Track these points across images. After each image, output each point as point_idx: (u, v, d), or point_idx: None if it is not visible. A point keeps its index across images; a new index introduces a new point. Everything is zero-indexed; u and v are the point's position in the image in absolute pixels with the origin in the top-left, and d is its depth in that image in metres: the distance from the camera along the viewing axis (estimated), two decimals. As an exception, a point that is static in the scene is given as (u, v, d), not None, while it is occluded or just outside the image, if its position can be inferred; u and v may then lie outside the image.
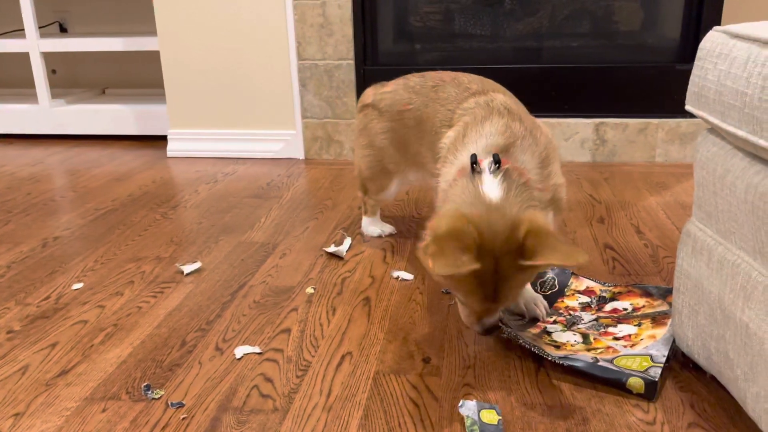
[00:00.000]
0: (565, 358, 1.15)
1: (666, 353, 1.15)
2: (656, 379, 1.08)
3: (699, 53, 1.02)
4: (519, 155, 1.18)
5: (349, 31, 2.45)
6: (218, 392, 1.14)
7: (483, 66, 2.42)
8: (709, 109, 0.97)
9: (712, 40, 0.99)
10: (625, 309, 1.34)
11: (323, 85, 2.54)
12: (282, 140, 2.65)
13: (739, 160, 0.95)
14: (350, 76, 2.51)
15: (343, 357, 1.24)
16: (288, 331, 1.34)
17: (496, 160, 1.13)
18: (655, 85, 2.38)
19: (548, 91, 2.45)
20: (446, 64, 2.47)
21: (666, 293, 1.37)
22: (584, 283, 1.46)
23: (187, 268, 1.63)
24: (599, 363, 1.13)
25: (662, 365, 1.12)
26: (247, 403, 1.11)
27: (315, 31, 2.47)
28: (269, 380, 1.17)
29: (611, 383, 1.11)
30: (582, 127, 2.42)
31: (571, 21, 2.50)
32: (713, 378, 1.14)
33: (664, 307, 1.31)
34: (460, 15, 2.54)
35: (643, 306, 1.34)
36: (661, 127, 2.37)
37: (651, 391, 1.08)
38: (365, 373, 1.19)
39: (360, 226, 1.89)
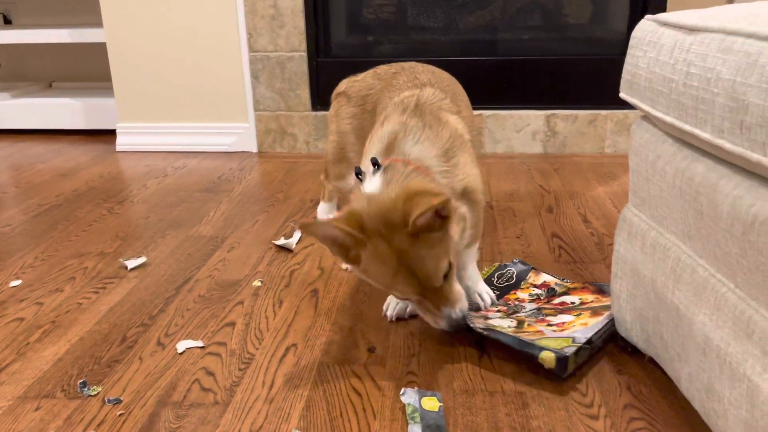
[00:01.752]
0: (489, 329, 1.16)
1: (589, 336, 1.16)
2: (567, 355, 1.09)
3: (631, 41, 1.03)
4: (408, 148, 1.17)
5: (300, 22, 2.43)
6: (158, 387, 1.12)
7: (436, 58, 2.42)
8: (640, 96, 0.99)
9: (643, 29, 1.00)
10: (573, 303, 1.36)
11: (276, 78, 2.51)
12: (234, 133, 2.61)
13: (669, 146, 0.97)
14: (303, 68, 2.48)
15: (287, 349, 1.23)
16: (232, 324, 1.33)
17: (374, 163, 1.13)
18: (604, 77, 2.42)
19: (500, 83, 2.47)
20: (399, 57, 2.47)
21: None
22: (542, 278, 1.47)
23: (131, 263, 1.59)
24: (519, 338, 1.14)
25: (579, 345, 1.12)
26: (187, 398, 1.09)
27: (266, 23, 2.44)
28: (211, 374, 1.16)
29: (525, 356, 1.12)
30: (533, 118, 2.45)
31: (522, 14, 2.52)
32: (651, 360, 1.16)
33: (608, 302, 1.33)
34: (413, 7, 2.54)
35: (592, 301, 1.36)
36: (609, 118, 2.42)
37: (561, 366, 1.09)
38: (309, 364, 1.18)
39: (311, 218, 1.87)
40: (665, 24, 0.94)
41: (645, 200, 1.06)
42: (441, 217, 1.06)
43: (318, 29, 2.48)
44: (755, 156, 0.70)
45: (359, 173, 1.17)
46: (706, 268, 0.89)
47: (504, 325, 1.23)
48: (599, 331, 1.18)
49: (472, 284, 1.35)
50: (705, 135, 0.80)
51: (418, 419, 1.00)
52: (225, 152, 2.63)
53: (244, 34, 2.47)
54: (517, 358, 1.16)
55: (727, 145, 0.75)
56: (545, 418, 1.02)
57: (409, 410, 1.02)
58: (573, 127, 2.44)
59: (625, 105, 2.41)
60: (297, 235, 1.75)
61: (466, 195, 1.23)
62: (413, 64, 1.55)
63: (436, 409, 1.03)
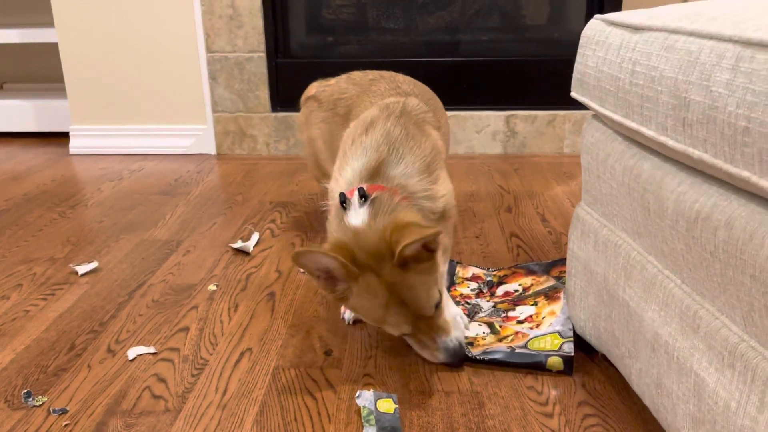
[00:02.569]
0: (485, 353, 1.16)
1: (572, 326, 1.18)
2: (572, 354, 1.12)
3: (581, 41, 1.04)
4: (393, 171, 1.15)
5: (259, 22, 2.40)
6: (107, 396, 1.09)
7: (396, 59, 2.43)
8: (590, 95, 1.00)
9: (592, 28, 1.01)
10: (516, 290, 1.37)
11: (234, 78, 2.47)
12: (192, 135, 2.57)
13: (618, 144, 0.98)
14: (262, 69, 2.46)
15: (242, 354, 1.21)
16: (186, 329, 1.30)
17: (362, 195, 1.10)
18: (562, 78, 2.44)
19: (460, 84, 2.48)
20: (360, 58, 2.46)
21: (548, 267, 1.41)
22: (470, 270, 1.47)
23: (82, 269, 1.55)
24: (516, 351, 1.15)
25: (571, 339, 1.15)
26: (137, 406, 1.06)
27: (224, 23, 2.41)
28: (162, 380, 1.13)
29: (533, 367, 1.13)
30: (493, 119, 2.46)
31: (481, 15, 2.54)
32: (604, 357, 1.18)
33: (551, 282, 1.34)
34: (373, 8, 2.53)
35: (531, 284, 1.37)
36: (568, 118, 2.45)
37: (569, 366, 1.12)
38: (264, 368, 1.16)
39: (270, 220, 1.85)
40: (612, 23, 0.95)
41: (597, 198, 1.07)
42: (428, 249, 1.05)
43: (277, 29, 2.45)
44: (697, 153, 0.71)
45: (344, 201, 1.12)
46: (654, 265, 0.90)
47: (480, 333, 1.23)
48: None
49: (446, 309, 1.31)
50: (650, 132, 0.81)
51: (373, 422, 0.99)
52: (183, 154, 2.58)
53: (201, 35, 2.43)
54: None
55: (671, 143, 0.76)
56: (500, 417, 1.02)
57: (364, 413, 1.01)
58: (532, 127, 2.46)
59: (582, 105, 2.44)
60: (255, 237, 1.72)
61: (442, 213, 1.22)
62: (392, 73, 1.54)
63: (392, 411, 1.02)
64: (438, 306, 1.08)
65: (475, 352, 1.16)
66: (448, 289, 1.41)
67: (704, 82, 0.68)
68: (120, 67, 2.51)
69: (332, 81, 1.64)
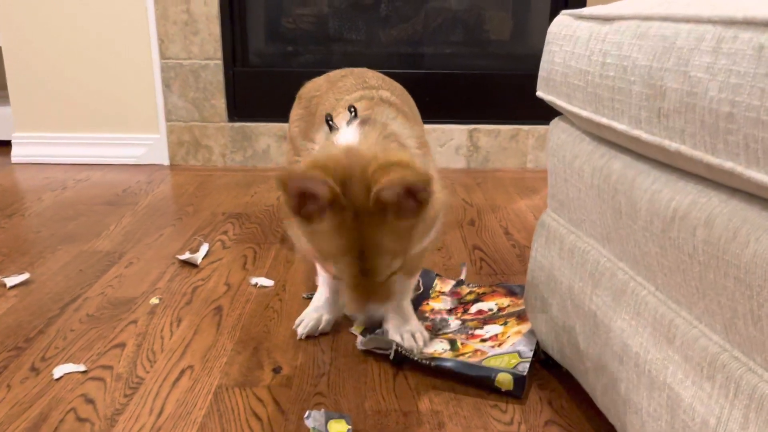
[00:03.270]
0: (432, 358, 1.09)
1: (533, 347, 1.11)
2: (524, 374, 1.04)
3: (547, 37, 0.99)
4: (385, 119, 1.02)
5: (216, 29, 2.32)
6: (25, 419, 0.97)
7: (357, 70, 2.36)
8: (557, 93, 0.94)
9: (559, 23, 0.96)
10: (491, 309, 1.30)
11: (189, 86, 2.38)
12: (144, 145, 2.45)
13: (587, 144, 0.92)
14: (218, 77, 2.37)
15: (182, 372, 1.11)
16: (122, 345, 1.19)
17: (351, 109, 0.96)
18: (525, 93, 2.42)
19: (423, 96, 2.42)
20: (320, 68, 2.38)
21: None
22: (449, 285, 1.41)
23: (11, 281, 1.42)
24: (467, 362, 1.07)
25: (530, 359, 1.08)
26: (59, 429, 0.95)
27: (179, 29, 2.32)
28: (91, 401, 1.02)
29: (480, 381, 1.05)
30: (456, 133, 2.42)
31: (444, 28, 2.50)
32: (569, 373, 1.11)
33: None
34: (335, 19, 2.48)
35: (508, 305, 1.30)
36: (531, 133, 2.42)
37: (519, 386, 1.03)
38: (206, 387, 1.06)
39: (222, 232, 1.75)
40: (581, 17, 0.90)
41: (563, 203, 1.01)
42: (416, 200, 0.86)
43: (234, 37, 2.37)
44: (674, 145, 0.66)
45: (330, 120, 0.99)
46: (625, 271, 0.84)
47: (438, 349, 1.15)
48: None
49: (404, 322, 1.19)
50: (622, 127, 0.75)
51: (323, 445, 0.91)
52: (134, 165, 2.46)
53: (155, 40, 2.33)
54: (458, 381, 1.08)
55: (645, 136, 0.71)
56: (462, 439, 0.94)
57: (313, 435, 0.92)
58: (495, 142, 2.42)
59: (546, 120, 2.42)
60: (204, 248, 1.62)
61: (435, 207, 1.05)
62: (363, 69, 1.44)
63: (344, 433, 0.93)
64: (391, 276, 0.93)
65: (422, 355, 1.09)
66: (421, 303, 1.33)
67: (682, 68, 0.63)
68: (68, 73, 2.39)
69: (317, 78, 1.56)
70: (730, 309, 0.62)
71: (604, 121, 0.80)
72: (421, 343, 1.16)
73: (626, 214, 0.79)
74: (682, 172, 0.71)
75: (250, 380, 1.08)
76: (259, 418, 0.98)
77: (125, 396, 1.04)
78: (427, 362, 1.08)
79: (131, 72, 2.37)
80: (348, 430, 0.94)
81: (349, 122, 1.00)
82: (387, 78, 1.41)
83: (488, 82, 2.42)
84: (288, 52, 2.50)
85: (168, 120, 2.42)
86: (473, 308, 1.32)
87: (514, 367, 1.06)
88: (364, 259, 0.88)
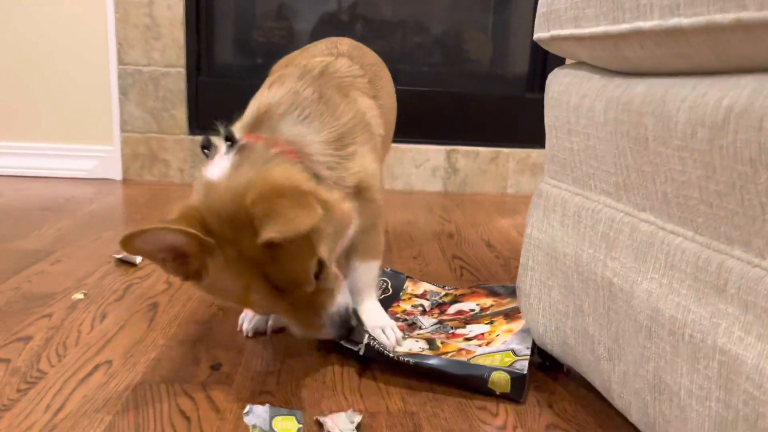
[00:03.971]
0: (411, 355, 0.89)
1: (530, 345, 0.93)
2: (524, 372, 0.85)
3: (546, -29, 0.85)
4: (285, 127, 0.90)
5: (180, 35, 2.18)
6: None
7: (329, 84, 2.23)
8: (560, 23, 0.80)
9: (561, -50, 0.83)
10: (472, 310, 1.12)
11: (148, 95, 2.21)
12: (96, 157, 2.26)
13: (596, 81, 0.78)
14: (180, 86, 2.21)
15: (97, 367, 0.90)
16: (27, 339, 0.97)
17: (228, 137, 0.85)
18: (506, 114, 2.31)
19: (399, 114, 2.30)
20: (290, 82, 2.26)
21: (514, 290, 1.17)
22: (421, 287, 1.22)
23: None
24: (453, 360, 0.88)
25: (528, 357, 0.89)
26: None
27: (140, 33, 2.17)
28: (-29, 396, 0.80)
29: (470, 382, 0.85)
30: (433, 153, 2.28)
31: (423, 47, 2.41)
32: (569, 372, 0.93)
33: (515, 304, 1.10)
34: (308, 34, 2.37)
35: (491, 305, 1.12)
36: (512, 156, 2.29)
37: (518, 387, 0.84)
38: (124, 383, 0.85)
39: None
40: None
41: (565, 163, 0.85)
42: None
43: (200, 44, 2.23)
44: (729, 16, 0.51)
45: (206, 146, 0.87)
46: (650, 222, 0.68)
47: (415, 348, 0.96)
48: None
49: (373, 318, 1.01)
50: (651, 23, 0.61)
51: (264, 446, 0.70)
52: (83, 179, 2.26)
53: (113, 44, 2.18)
54: (444, 382, 0.89)
55: (686, 21, 0.56)
56: (443, 443, 0.74)
57: (253, 434, 0.71)
58: (474, 164, 2.29)
59: (526, 143, 2.30)
60: (146, 249, 1.42)
61: (359, 193, 0.96)
62: (349, 39, 1.29)
63: (293, 433, 0.72)
64: (319, 276, 0.82)
65: (399, 350, 0.89)
66: (390, 304, 1.14)
67: None
68: (13, 76, 2.21)
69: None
70: (819, 216, 0.46)
71: (625, 27, 0.65)
72: (392, 340, 0.97)
73: (655, 138, 0.63)
74: (727, 74, 0.56)
75: (181, 376, 0.88)
76: (186, 417, 0.77)
77: (18, 391, 0.82)
78: (405, 360, 0.88)
79: (85, 77, 2.20)
80: (299, 429, 0.73)
81: (227, 150, 0.84)
82: (363, 47, 1.27)
83: (467, 101, 2.30)
84: (257, 65, 2.37)
85: (123, 131, 2.23)
86: (451, 309, 1.14)
87: (510, 365, 0.87)
88: (280, 287, 0.79)
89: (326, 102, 0.97)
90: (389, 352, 0.89)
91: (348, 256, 1.02)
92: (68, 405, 0.79)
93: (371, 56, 1.26)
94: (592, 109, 0.76)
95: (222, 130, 0.86)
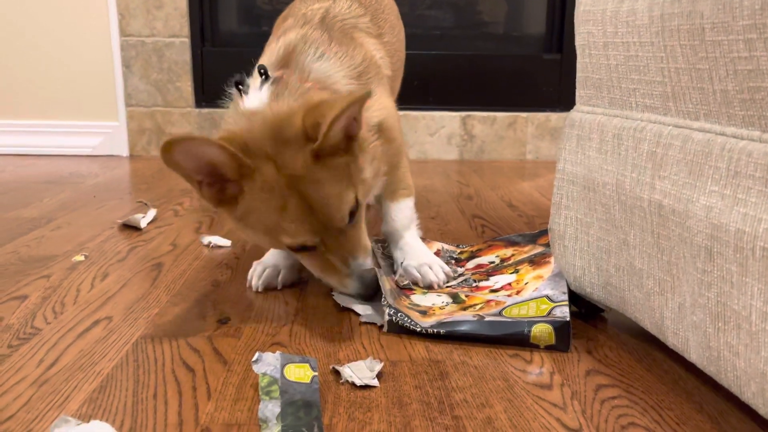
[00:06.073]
0: (440, 324, 0.81)
1: (565, 290, 0.84)
2: (567, 319, 0.77)
3: None
4: (309, 63, 0.89)
5: (182, 3, 2.10)
6: None
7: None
8: None
9: None
10: (492, 262, 1.04)
11: (152, 67, 2.14)
12: (101, 133, 2.20)
13: (636, -17, 0.69)
14: (184, 57, 2.14)
15: (96, 323, 0.83)
16: (23, 298, 0.91)
17: (262, 72, 0.86)
18: (523, 76, 2.22)
19: (411, 80, 2.21)
20: (298, 50, 2.18)
21: (535, 237, 1.09)
22: (434, 246, 1.14)
23: None
24: (486, 320, 0.80)
25: (566, 303, 0.81)
26: None
27: (141, 2, 2.10)
28: (-43, 352, 0.73)
29: (509, 340, 0.77)
30: (448, 120, 2.19)
31: (434, 10, 2.32)
32: (607, 319, 0.85)
33: (539, 249, 1.01)
34: None
35: (512, 255, 1.04)
36: (530, 120, 2.20)
37: (564, 337, 0.76)
38: (124, 338, 0.78)
39: (177, 203, 1.49)
40: None
41: (601, 83, 0.77)
42: (347, 136, 0.79)
43: (204, 13, 2.16)
44: None
45: (240, 83, 0.86)
46: (706, 130, 0.60)
47: (437, 304, 0.89)
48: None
49: (417, 255, 0.98)
50: None
51: (276, 394, 0.63)
52: (88, 156, 2.20)
53: (114, 15, 2.11)
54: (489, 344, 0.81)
55: None
56: (473, 390, 0.67)
57: (263, 382, 0.64)
58: (491, 130, 2.20)
59: (545, 106, 2.21)
60: (151, 214, 1.35)
61: (381, 133, 0.93)
62: None
63: (307, 380, 0.65)
64: (354, 217, 0.80)
65: (425, 323, 0.81)
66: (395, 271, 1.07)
67: None
68: (14, 52, 2.15)
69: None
70: None
71: None
72: (442, 276, 0.95)
73: (714, 26, 0.55)
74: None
75: (186, 330, 0.81)
76: (191, 369, 0.71)
77: (9, 347, 0.76)
78: (435, 331, 0.80)
79: (87, 50, 2.14)
80: (313, 376, 0.66)
81: (261, 84, 0.85)
82: None
83: (482, 64, 2.21)
84: (265, 33, 2.29)
85: (128, 105, 2.17)
86: (470, 264, 1.06)
87: (549, 313, 0.79)
88: (314, 210, 0.77)
89: (338, 43, 0.95)
90: (415, 326, 0.81)
91: (379, 200, 1.02)
92: (63, 359, 0.73)
93: None
94: (633, 11, 0.67)
95: (256, 66, 0.87)
